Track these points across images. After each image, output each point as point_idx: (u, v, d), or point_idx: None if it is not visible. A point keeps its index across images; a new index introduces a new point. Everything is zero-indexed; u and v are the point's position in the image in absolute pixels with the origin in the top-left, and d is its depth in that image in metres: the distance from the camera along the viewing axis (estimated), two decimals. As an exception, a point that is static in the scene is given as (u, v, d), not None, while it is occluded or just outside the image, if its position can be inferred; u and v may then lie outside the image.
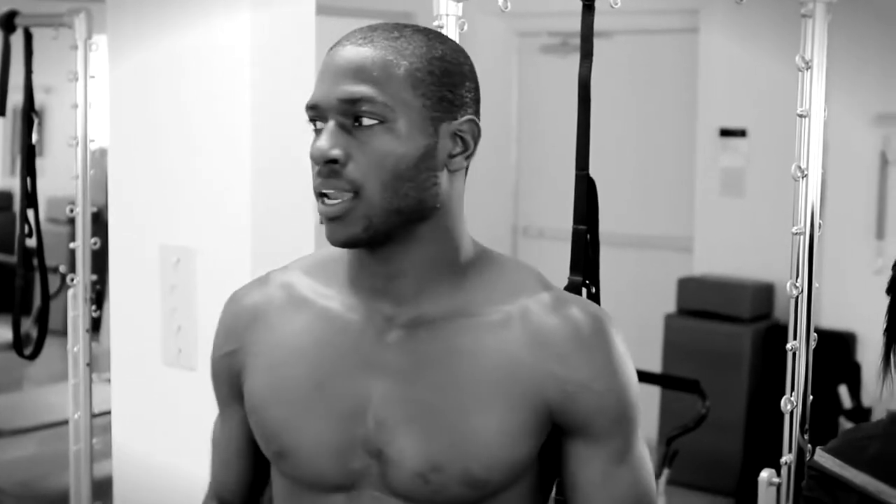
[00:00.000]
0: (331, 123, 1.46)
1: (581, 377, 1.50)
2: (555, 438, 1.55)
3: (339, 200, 1.46)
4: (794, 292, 1.98)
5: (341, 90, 1.46)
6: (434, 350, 1.52)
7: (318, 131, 1.49)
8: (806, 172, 1.95)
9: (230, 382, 1.68)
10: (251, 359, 1.63)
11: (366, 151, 1.46)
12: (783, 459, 2.03)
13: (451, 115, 1.51)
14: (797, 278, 1.98)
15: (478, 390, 1.50)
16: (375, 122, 1.46)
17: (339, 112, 1.46)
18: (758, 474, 2.04)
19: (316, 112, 1.48)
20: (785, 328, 2.00)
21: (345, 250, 1.58)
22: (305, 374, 1.56)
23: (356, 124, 1.46)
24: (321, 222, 1.51)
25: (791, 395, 2.01)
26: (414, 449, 1.50)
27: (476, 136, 1.55)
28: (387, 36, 1.49)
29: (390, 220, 1.48)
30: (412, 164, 1.47)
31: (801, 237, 1.97)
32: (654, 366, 5.90)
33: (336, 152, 1.45)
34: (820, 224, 1.97)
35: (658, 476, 4.22)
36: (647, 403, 6.39)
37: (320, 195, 1.48)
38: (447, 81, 1.51)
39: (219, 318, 1.71)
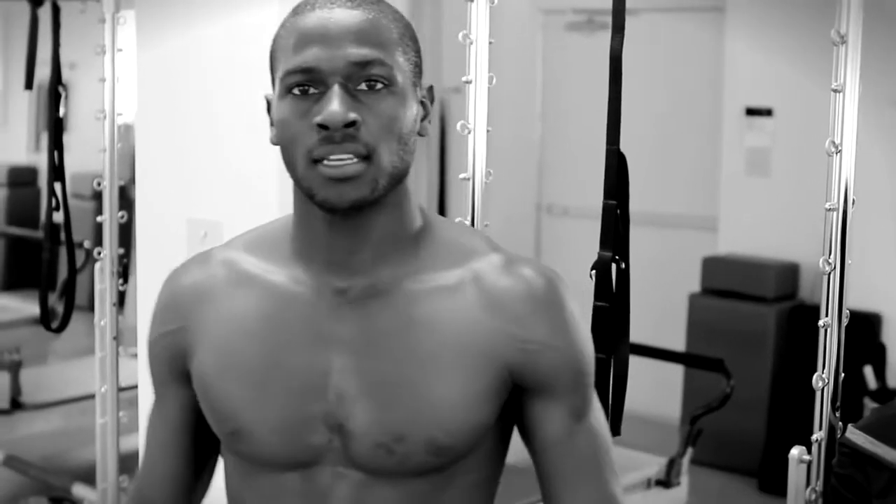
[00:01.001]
0: (336, 87, 1.43)
1: (540, 336, 1.51)
2: (513, 400, 1.55)
3: (351, 162, 1.43)
4: (827, 269, 1.97)
5: (351, 53, 1.43)
6: (390, 320, 1.51)
7: (308, 96, 1.45)
8: (840, 148, 1.94)
9: (171, 363, 1.62)
10: (197, 337, 1.58)
11: (376, 115, 1.44)
12: (814, 437, 2.02)
13: (419, 80, 1.53)
14: (830, 254, 1.97)
15: (437, 357, 1.49)
16: (383, 85, 1.45)
17: (345, 76, 1.44)
18: (781, 454, 2.03)
19: (311, 76, 1.44)
20: (810, 308, 1.99)
21: (287, 225, 1.58)
22: (259, 351, 1.53)
23: (364, 88, 1.45)
24: (310, 192, 1.46)
25: (822, 373, 2.00)
26: (376, 420, 1.49)
27: (433, 102, 1.57)
28: (368, 0, 1.50)
29: (389, 185, 1.47)
30: (410, 129, 1.49)
31: (835, 213, 1.96)
32: (678, 345, 5.88)
33: (353, 115, 1.42)
34: (854, 200, 1.96)
35: (682, 455, 4.21)
36: (670, 382, 6.38)
37: (320, 160, 1.44)
38: (417, 47, 1.54)
39: (157, 297, 1.66)
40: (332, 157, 1.43)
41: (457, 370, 1.49)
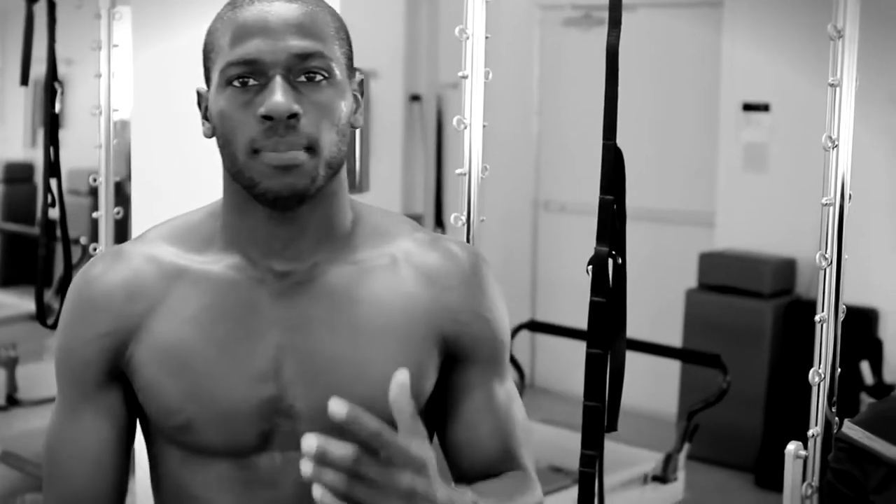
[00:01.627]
0: (279, 79, 1.45)
1: (470, 306, 1.59)
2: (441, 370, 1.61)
3: (293, 153, 1.45)
4: (823, 264, 1.97)
5: (292, 45, 1.45)
6: (331, 302, 1.54)
7: (249, 88, 1.46)
8: (836, 142, 1.94)
9: (103, 366, 1.56)
10: (135, 333, 1.54)
11: (316, 106, 1.46)
12: (810, 432, 2.02)
13: (352, 73, 1.56)
14: (826, 249, 1.97)
15: (381, 333, 1.54)
16: (323, 77, 1.47)
17: (287, 67, 1.45)
18: (778, 450, 2.04)
19: (252, 67, 1.45)
20: (806, 304, 2.00)
21: (212, 214, 1.59)
22: (204, 341, 1.53)
23: (304, 80, 1.46)
24: (251, 182, 1.47)
25: (819, 368, 2.00)
26: (326, 401, 1.49)
27: (363, 95, 1.59)
28: None
29: (328, 175, 1.49)
30: (347, 120, 1.51)
31: (831, 208, 1.96)
32: (675, 340, 5.88)
33: (296, 107, 1.44)
34: (850, 195, 1.96)
35: (678, 451, 4.22)
36: (667, 378, 6.39)
37: (262, 151, 1.45)
38: (350, 41, 1.56)
39: (74, 302, 1.58)
40: (277, 148, 1.44)
41: (400, 344, 1.54)
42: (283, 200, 1.47)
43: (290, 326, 1.53)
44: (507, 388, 1.64)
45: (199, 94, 1.57)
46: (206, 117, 1.54)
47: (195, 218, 1.62)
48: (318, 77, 1.47)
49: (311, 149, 1.46)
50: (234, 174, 1.50)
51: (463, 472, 1.63)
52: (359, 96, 1.57)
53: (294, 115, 1.44)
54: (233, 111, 1.46)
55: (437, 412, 1.64)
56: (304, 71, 1.46)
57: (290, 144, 1.44)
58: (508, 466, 1.62)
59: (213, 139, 1.53)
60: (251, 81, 1.46)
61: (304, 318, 1.53)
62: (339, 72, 1.49)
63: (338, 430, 1.49)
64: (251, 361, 1.52)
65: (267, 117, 1.43)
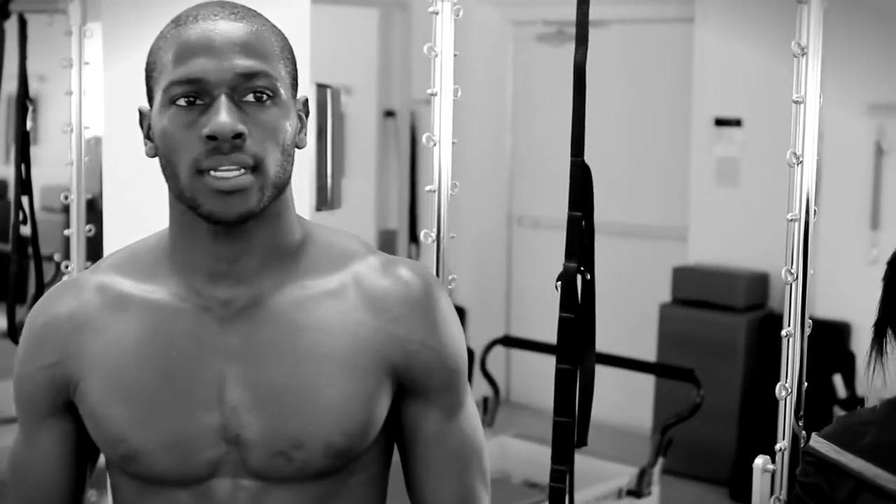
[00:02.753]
0: (224, 98, 1.43)
1: (418, 336, 1.56)
2: (394, 399, 1.59)
3: (238, 174, 1.44)
4: (790, 279, 1.98)
5: (238, 65, 1.44)
6: (277, 328, 1.53)
7: (194, 107, 1.44)
8: (801, 159, 1.95)
9: (52, 395, 1.58)
10: (80, 363, 1.55)
11: (261, 126, 1.45)
12: (778, 446, 2.03)
13: (296, 94, 1.55)
14: (792, 265, 1.98)
15: (327, 360, 1.52)
16: (268, 97, 1.47)
17: (231, 87, 1.44)
18: (752, 463, 2.04)
19: (196, 87, 1.44)
20: (779, 318, 2.00)
21: (160, 241, 1.59)
22: (147, 370, 1.53)
23: (250, 99, 1.45)
24: (194, 203, 1.47)
25: (785, 382, 2.01)
26: (272, 429, 1.51)
27: (307, 116, 1.59)
28: (248, 12, 1.51)
29: (273, 195, 1.49)
30: (291, 140, 1.50)
31: (796, 223, 1.98)
32: (649, 355, 5.91)
33: (241, 127, 1.43)
34: (815, 210, 1.97)
35: (653, 465, 4.23)
36: (641, 392, 6.41)
37: (206, 171, 1.44)
38: (294, 61, 1.55)
39: (26, 333, 1.61)
40: (219, 168, 1.43)
41: (347, 372, 1.53)
42: (226, 223, 1.47)
43: (234, 354, 1.52)
44: (460, 422, 1.62)
45: (140, 113, 1.55)
46: (148, 136, 1.52)
47: (144, 246, 1.62)
48: (264, 97, 1.46)
49: (256, 168, 1.45)
50: (178, 195, 1.49)
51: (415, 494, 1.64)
52: (303, 116, 1.57)
53: (239, 136, 1.43)
54: (176, 131, 1.45)
55: (396, 442, 1.64)
56: (250, 90, 1.45)
57: (235, 163, 1.43)
58: None
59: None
60: (196, 101, 1.45)
61: (249, 346, 1.52)
62: (284, 91, 1.49)
63: (285, 457, 1.51)
64: (195, 390, 1.52)
65: (212, 137, 1.42)
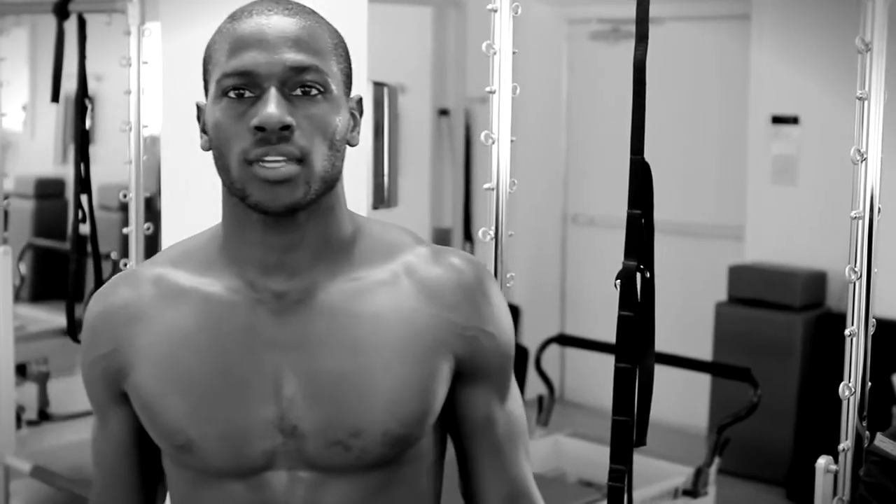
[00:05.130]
0: (273, 91, 1.45)
1: (475, 322, 1.58)
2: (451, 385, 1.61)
3: (286, 164, 1.45)
4: (853, 277, 1.96)
5: (289, 58, 1.46)
6: (332, 319, 1.54)
7: (244, 99, 1.47)
8: (865, 156, 1.93)
9: (108, 384, 1.61)
10: (133, 356, 1.57)
11: (310, 120, 1.47)
12: (841, 446, 2.01)
13: (350, 91, 1.56)
14: (856, 263, 1.96)
15: (383, 349, 1.53)
16: (318, 91, 1.48)
17: (282, 80, 1.46)
18: (809, 463, 2.03)
19: (247, 79, 1.46)
20: (837, 317, 1.99)
21: (214, 236, 1.60)
22: (203, 363, 1.54)
23: (299, 93, 1.47)
24: (243, 194, 1.48)
25: (849, 382, 1.99)
26: (330, 419, 1.52)
27: (361, 115, 1.60)
28: (302, 9, 1.53)
29: (321, 189, 1.50)
30: (341, 136, 1.51)
31: (860, 221, 1.95)
32: (705, 354, 5.87)
33: (290, 119, 1.44)
34: (879, 208, 1.95)
35: (709, 465, 4.20)
36: (697, 392, 6.35)
37: (254, 161, 1.46)
38: (349, 59, 1.57)
39: (86, 322, 1.65)
40: (266, 158, 1.45)
41: (404, 360, 1.54)
42: (275, 213, 1.48)
43: (290, 346, 1.53)
44: (510, 405, 1.65)
45: (198, 107, 1.58)
46: (204, 130, 1.55)
47: (199, 240, 1.63)
48: (313, 91, 1.48)
49: (303, 161, 1.46)
50: (229, 186, 1.51)
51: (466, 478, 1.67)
52: (356, 114, 1.58)
53: (287, 127, 1.44)
54: (227, 122, 1.47)
55: (451, 427, 1.66)
56: (299, 84, 1.47)
57: (282, 154, 1.45)
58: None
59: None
60: (246, 93, 1.47)
61: (304, 338, 1.53)
62: (335, 87, 1.50)
63: (342, 446, 1.52)
64: (252, 382, 1.53)
65: (260, 128, 1.44)
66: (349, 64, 1.56)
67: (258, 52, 1.46)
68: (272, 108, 1.44)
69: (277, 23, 1.48)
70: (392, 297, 1.56)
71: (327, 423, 1.52)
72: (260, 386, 1.53)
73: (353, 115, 1.57)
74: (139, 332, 1.57)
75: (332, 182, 1.52)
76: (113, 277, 1.67)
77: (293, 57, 1.46)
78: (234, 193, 1.50)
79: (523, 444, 1.66)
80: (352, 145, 1.57)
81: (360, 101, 1.59)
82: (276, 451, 1.53)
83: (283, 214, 1.49)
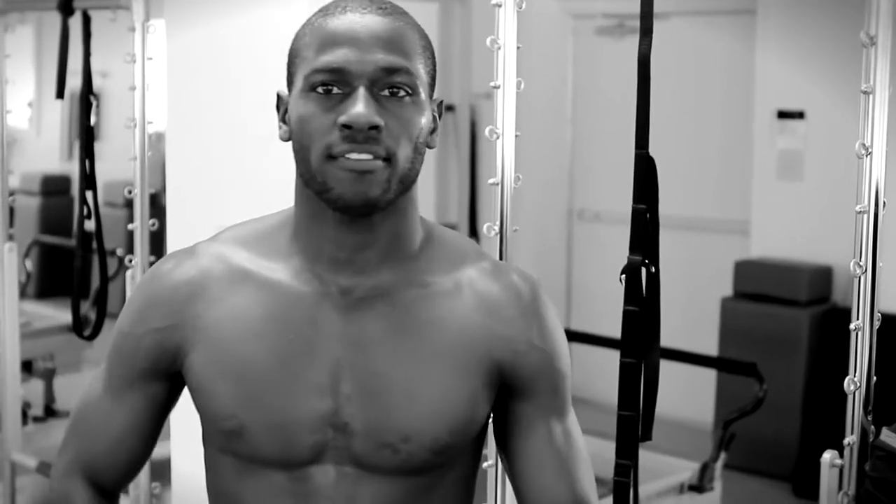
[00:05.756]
0: (363, 90, 1.46)
1: (527, 338, 1.58)
2: (500, 400, 1.61)
3: (371, 161, 1.46)
4: (858, 272, 1.96)
5: (380, 59, 1.47)
6: (395, 322, 1.55)
7: (332, 95, 1.47)
8: (870, 150, 1.93)
9: (155, 360, 1.59)
10: (193, 334, 1.57)
11: (397, 120, 1.48)
12: (846, 440, 2.01)
13: (433, 93, 1.57)
14: (861, 257, 1.96)
15: (440, 358, 1.55)
16: (406, 93, 1.49)
17: (372, 80, 1.47)
18: (815, 458, 2.03)
19: (337, 76, 1.47)
20: (843, 311, 1.99)
21: (284, 222, 1.60)
22: (263, 349, 1.54)
23: (387, 93, 1.48)
24: (324, 187, 1.48)
25: (854, 376, 1.98)
26: (383, 420, 1.52)
27: (441, 117, 1.61)
28: (395, 9, 1.53)
29: (400, 189, 1.50)
30: (424, 138, 1.52)
31: (865, 215, 1.95)
32: (711, 349, 5.86)
33: (378, 119, 1.45)
34: (885, 202, 1.95)
35: (715, 460, 4.20)
36: (703, 387, 6.34)
37: (338, 156, 1.46)
38: (434, 62, 1.57)
39: (141, 292, 1.63)
40: (351, 153, 1.45)
41: (456, 370, 1.55)
42: (354, 209, 1.48)
43: (351, 343, 1.54)
44: (566, 425, 1.63)
45: (278, 96, 1.59)
46: (283, 120, 1.56)
47: (268, 224, 1.63)
48: (402, 93, 1.48)
49: (388, 160, 1.47)
50: (307, 179, 1.51)
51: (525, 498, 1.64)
52: (437, 117, 1.58)
53: (375, 127, 1.45)
54: (313, 116, 1.48)
55: (500, 443, 1.65)
56: (389, 85, 1.48)
57: (368, 151, 1.45)
58: None
59: (283, 143, 1.55)
60: (335, 90, 1.47)
61: (366, 336, 1.54)
62: (421, 90, 1.51)
63: (391, 448, 1.52)
64: (309, 374, 1.53)
65: (347, 126, 1.44)
66: (434, 66, 1.57)
67: (350, 49, 1.47)
68: (361, 107, 1.45)
69: (370, 22, 1.49)
70: (452, 307, 1.57)
71: (379, 425, 1.53)
72: (317, 379, 1.53)
73: (434, 118, 1.57)
74: (200, 311, 1.57)
75: (409, 184, 1.52)
76: (173, 251, 1.67)
77: (385, 58, 1.47)
78: (313, 187, 1.50)
79: (587, 468, 1.64)
80: (430, 147, 1.57)
81: (441, 103, 1.60)
82: (326, 446, 1.54)
83: (361, 213, 1.50)
